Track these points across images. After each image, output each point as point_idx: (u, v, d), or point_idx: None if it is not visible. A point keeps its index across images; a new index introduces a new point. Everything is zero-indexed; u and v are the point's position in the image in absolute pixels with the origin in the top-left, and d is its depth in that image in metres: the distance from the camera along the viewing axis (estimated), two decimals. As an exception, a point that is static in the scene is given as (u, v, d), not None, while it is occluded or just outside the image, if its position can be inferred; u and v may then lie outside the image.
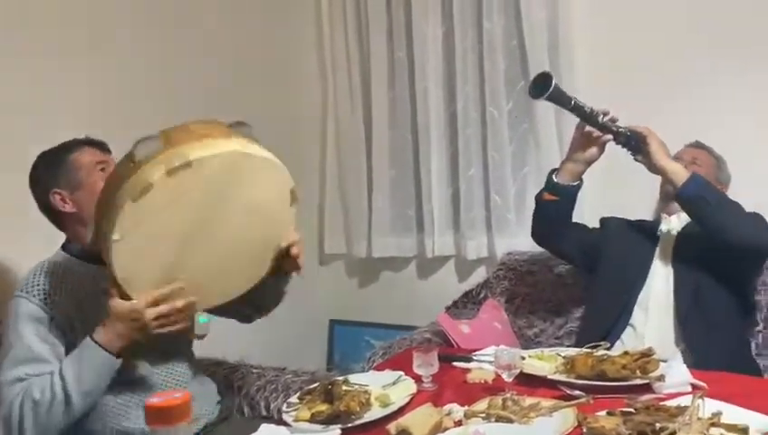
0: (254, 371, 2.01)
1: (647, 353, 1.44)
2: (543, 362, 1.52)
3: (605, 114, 1.81)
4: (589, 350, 1.53)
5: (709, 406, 1.12)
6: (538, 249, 2.53)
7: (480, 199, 2.70)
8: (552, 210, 2.00)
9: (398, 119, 2.85)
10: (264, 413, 1.85)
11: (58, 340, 1.42)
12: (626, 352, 1.45)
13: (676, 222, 1.97)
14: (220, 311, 1.54)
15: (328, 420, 1.27)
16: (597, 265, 2.03)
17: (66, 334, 1.43)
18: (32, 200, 1.56)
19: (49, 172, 1.51)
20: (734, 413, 1.12)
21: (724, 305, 1.84)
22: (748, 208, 1.79)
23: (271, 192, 1.36)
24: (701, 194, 1.70)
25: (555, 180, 1.95)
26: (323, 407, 1.29)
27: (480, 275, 2.75)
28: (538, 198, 2.04)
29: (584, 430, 1.12)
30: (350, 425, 1.26)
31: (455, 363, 1.61)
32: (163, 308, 1.31)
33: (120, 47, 2.25)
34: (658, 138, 1.81)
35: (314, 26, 3.03)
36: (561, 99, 1.76)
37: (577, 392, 1.35)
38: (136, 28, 2.30)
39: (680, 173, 1.74)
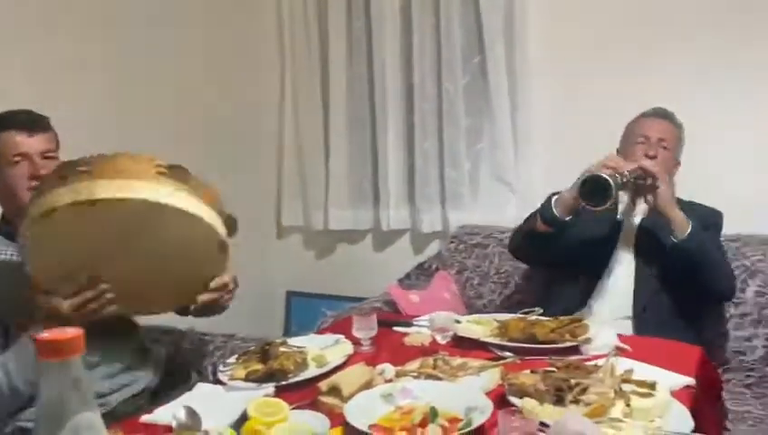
0: (203, 338, 2.03)
1: (577, 319, 1.50)
2: (480, 325, 1.57)
3: (623, 172, 1.70)
4: (522, 314, 1.58)
5: (624, 365, 1.18)
6: (489, 223, 2.61)
7: (435, 173, 2.73)
8: (545, 241, 1.88)
9: (355, 90, 2.85)
10: (212, 379, 1.88)
11: None
12: (557, 318, 1.50)
13: (638, 209, 1.96)
14: None
15: (263, 379, 1.31)
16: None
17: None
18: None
19: None
20: (646, 371, 1.18)
21: (679, 307, 1.86)
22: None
23: (191, 237, 1.37)
24: (698, 251, 1.73)
25: (555, 213, 1.82)
26: (258, 366, 1.32)
27: (434, 248, 2.79)
28: (532, 229, 1.90)
29: (506, 387, 1.17)
30: (283, 383, 1.29)
31: (395, 328, 1.66)
32: (76, 300, 1.32)
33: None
34: (666, 178, 1.76)
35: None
36: (618, 189, 1.67)
37: (507, 354, 1.41)
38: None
39: (683, 225, 1.73)
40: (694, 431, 1.03)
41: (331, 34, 2.84)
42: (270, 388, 1.26)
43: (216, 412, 1.16)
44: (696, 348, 1.41)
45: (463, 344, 1.49)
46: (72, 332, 0.54)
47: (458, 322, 1.56)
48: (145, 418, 1.21)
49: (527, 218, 2.02)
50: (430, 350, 1.46)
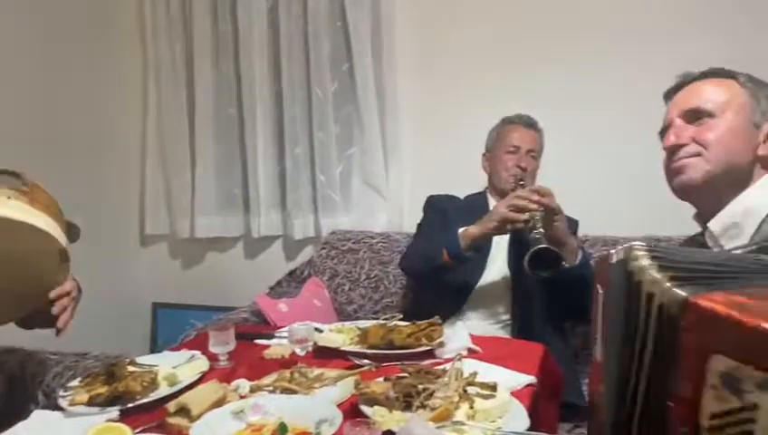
0: (52, 357, 1.89)
1: (434, 323, 1.54)
2: (341, 334, 1.58)
3: (532, 212, 1.75)
4: (383, 321, 1.61)
5: (470, 367, 1.22)
6: (360, 228, 2.63)
7: (306, 179, 2.72)
8: (446, 270, 1.87)
9: (222, 94, 2.79)
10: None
11: None
12: (414, 323, 1.54)
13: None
14: None
15: (107, 402, 1.23)
16: None
17: None
18: None
19: None
20: (490, 372, 1.23)
21: (551, 314, 1.92)
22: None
23: (28, 246, 1.30)
24: (587, 275, 1.75)
25: (464, 251, 1.81)
26: (103, 389, 1.25)
27: (307, 254, 2.79)
28: (440, 264, 1.85)
29: (358, 396, 1.18)
30: (130, 405, 1.23)
31: (256, 341, 1.63)
32: None
33: None
34: (563, 213, 1.81)
35: (135, -4, 2.89)
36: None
37: (365, 361, 1.42)
38: None
39: (575, 251, 1.80)
40: (530, 429, 1.09)
41: (195, 37, 2.77)
42: (114, 412, 1.19)
43: (51, 442, 1.08)
44: (539, 346, 1.49)
45: (323, 354, 1.49)
46: None
47: (320, 331, 1.57)
48: (-32, 452, 1.11)
49: (422, 243, 2.04)
50: (290, 362, 1.45)
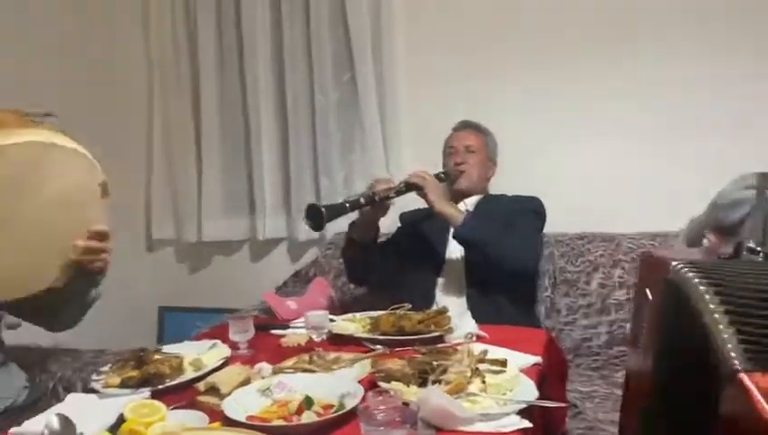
0: (71, 354, 1.95)
1: (442, 311, 1.62)
2: (354, 323, 1.65)
3: (377, 192, 1.97)
4: (393, 310, 1.68)
5: (480, 348, 1.30)
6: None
7: (310, 182, 2.80)
8: (361, 263, 2.18)
9: (227, 100, 2.88)
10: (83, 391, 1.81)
11: None
12: (423, 311, 1.62)
13: (462, 208, 2.16)
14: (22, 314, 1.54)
15: (138, 385, 1.30)
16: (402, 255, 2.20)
17: None
18: None
19: None
20: (498, 352, 1.31)
21: (510, 292, 2.01)
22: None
23: (78, 184, 1.33)
24: (473, 237, 1.94)
25: (355, 238, 2.10)
26: (134, 373, 1.32)
27: (312, 255, 2.85)
28: (344, 255, 2.22)
29: (376, 374, 1.26)
30: (160, 387, 1.30)
31: (272, 331, 1.70)
32: None
33: None
34: (433, 183, 2.01)
35: (140, 6, 2.97)
36: (338, 212, 1.93)
37: (378, 347, 1.50)
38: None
39: (456, 217, 1.96)
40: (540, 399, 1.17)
41: (200, 46, 2.85)
42: (146, 392, 1.26)
43: (91, 419, 1.15)
44: (543, 332, 1.58)
45: (337, 341, 1.57)
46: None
47: (333, 320, 1.64)
48: (13, 431, 1.17)
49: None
50: (308, 349, 1.52)
